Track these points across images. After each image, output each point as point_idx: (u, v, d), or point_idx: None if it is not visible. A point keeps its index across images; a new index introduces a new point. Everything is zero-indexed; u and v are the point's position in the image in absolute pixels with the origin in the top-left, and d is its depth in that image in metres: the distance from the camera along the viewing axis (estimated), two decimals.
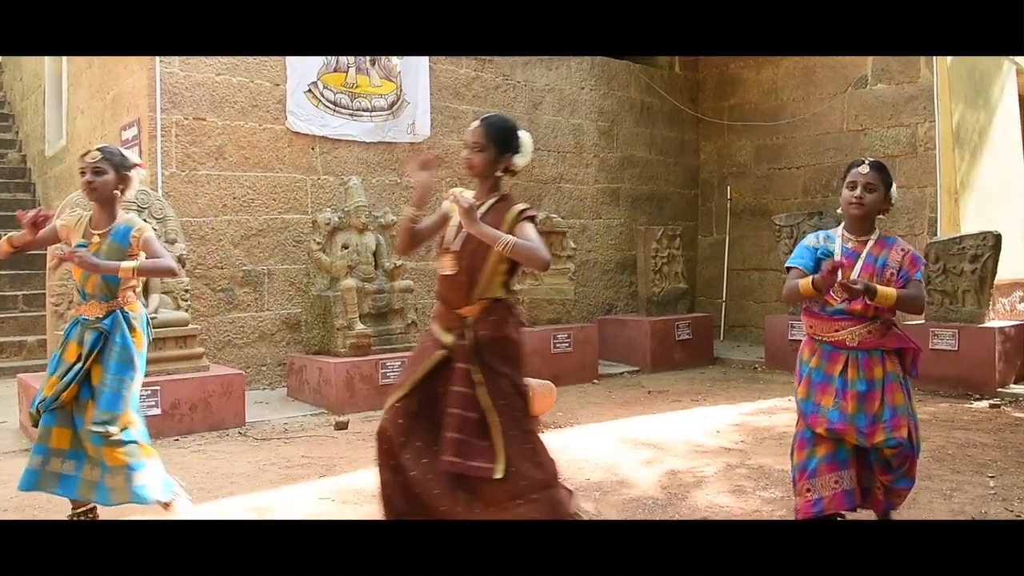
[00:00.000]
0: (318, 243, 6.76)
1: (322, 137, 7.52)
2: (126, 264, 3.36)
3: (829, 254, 3.11)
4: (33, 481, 3.37)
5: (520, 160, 3.01)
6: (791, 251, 8.96)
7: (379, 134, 7.84)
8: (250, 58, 7.11)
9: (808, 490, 3.05)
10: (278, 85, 7.28)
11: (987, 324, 7.14)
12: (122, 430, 3.36)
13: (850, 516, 3.18)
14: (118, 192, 3.46)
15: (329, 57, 7.50)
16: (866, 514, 3.31)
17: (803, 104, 9.75)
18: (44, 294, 5.83)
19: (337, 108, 7.59)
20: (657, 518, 3.86)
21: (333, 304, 6.54)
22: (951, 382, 7.01)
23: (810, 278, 2.98)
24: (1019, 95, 9.56)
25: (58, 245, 4.75)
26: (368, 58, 7.74)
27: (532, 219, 2.94)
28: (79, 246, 3.39)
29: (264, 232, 7.23)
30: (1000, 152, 9.02)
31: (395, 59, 7.89)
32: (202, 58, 6.86)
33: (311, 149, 7.48)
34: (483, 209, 2.93)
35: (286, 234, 7.35)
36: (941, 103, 8.44)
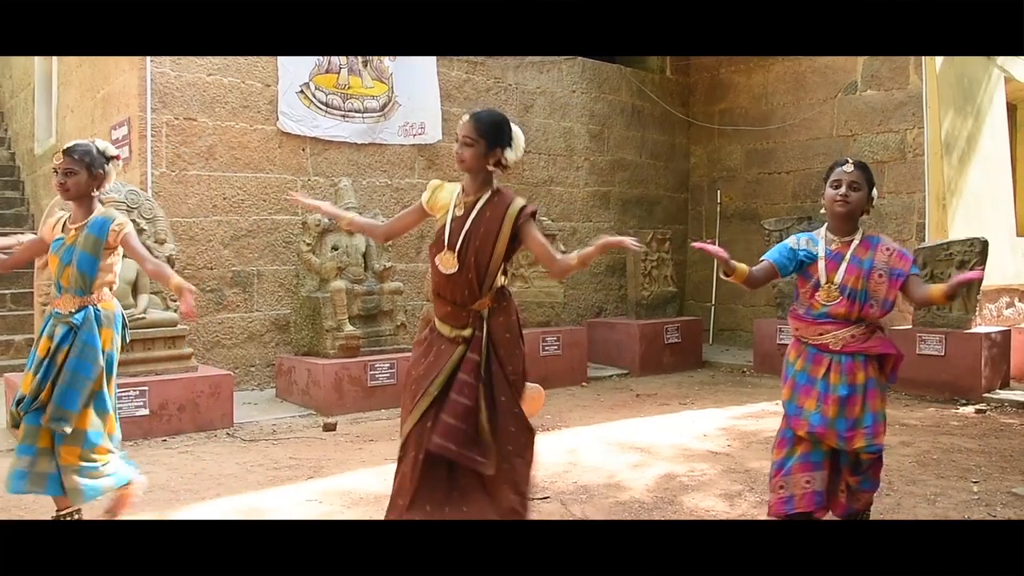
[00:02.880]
0: (308, 244, 6.75)
1: (313, 138, 7.51)
2: (171, 276, 3.46)
3: (812, 257, 3.12)
4: (22, 483, 3.33)
5: (511, 154, 3.00)
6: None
7: (370, 135, 7.84)
8: (242, 59, 7.10)
9: (781, 487, 3.08)
10: (269, 86, 7.27)
11: (974, 330, 7.19)
12: (85, 431, 3.34)
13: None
14: (93, 189, 3.45)
15: (321, 58, 7.50)
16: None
17: (793, 109, 9.80)
18: (32, 293, 5.81)
19: (329, 109, 7.59)
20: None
21: (322, 305, 6.53)
22: (938, 387, 7.04)
23: (742, 267, 3.02)
24: (1007, 103, 9.63)
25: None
26: (360, 59, 7.73)
27: (534, 216, 2.99)
28: (56, 241, 3.43)
29: (254, 233, 7.22)
30: (988, 159, 9.08)
31: (387, 60, 7.89)
32: (193, 58, 6.85)
33: (302, 150, 7.48)
34: (478, 205, 2.96)
35: (276, 235, 7.34)
36: (930, 110, 8.49)
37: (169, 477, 4.54)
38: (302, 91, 7.42)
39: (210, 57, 6.93)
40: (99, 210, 3.48)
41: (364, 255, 6.89)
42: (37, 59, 10.07)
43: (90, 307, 3.40)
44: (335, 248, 6.77)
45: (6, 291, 8.60)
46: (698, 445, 5.37)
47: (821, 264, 3.08)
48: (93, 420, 3.39)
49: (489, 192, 3.00)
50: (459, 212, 2.99)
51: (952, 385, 7.01)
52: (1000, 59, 9.27)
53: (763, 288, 10.22)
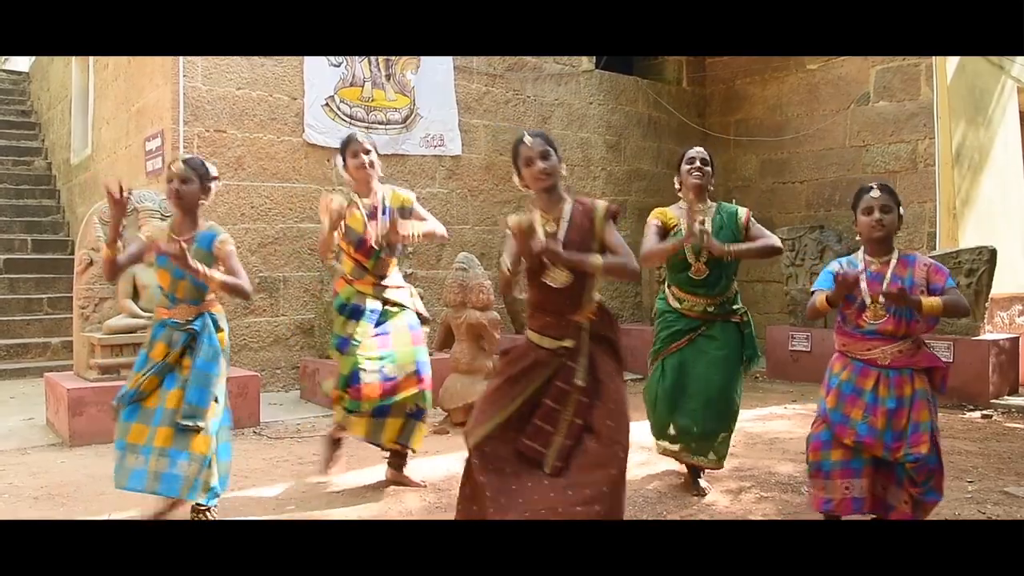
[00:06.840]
0: (333, 252, 6.99)
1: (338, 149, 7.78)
2: (217, 275, 3.48)
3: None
4: (119, 477, 3.51)
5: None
6: (793, 263, 9.07)
7: (393, 147, 8.10)
8: (269, 73, 7.40)
9: (822, 488, 3.26)
10: (296, 99, 7.56)
11: (982, 337, 7.30)
12: (210, 421, 3.55)
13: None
14: (202, 201, 3.64)
15: (346, 72, 7.79)
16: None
17: (807, 120, 9.96)
18: (68, 297, 6.10)
19: (353, 121, 7.87)
20: (647, 516, 4.08)
21: None
22: (946, 394, 7.14)
23: (824, 293, 3.16)
24: (1020, 113, 9.72)
25: (91, 250, 5.00)
26: (384, 73, 8.02)
27: (616, 216, 3.02)
28: (165, 256, 3.55)
29: (280, 240, 7.51)
30: (1001, 169, 9.19)
31: (409, 74, 8.17)
32: (223, 73, 7.16)
33: (327, 160, 7.74)
34: (565, 216, 2.99)
35: (301, 242, 7.61)
36: (941, 120, 8.62)
37: None
38: (327, 104, 7.71)
39: (239, 72, 7.24)
40: (204, 224, 3.65)
41: None
42: (74, 72, 10.45)
43: (206, 313, 3.60)
44: None
45: (43, 295, 8.96)
46: None
47: (864, 285, 3.19)
48: (219, 411, 3.61)
49: (570, 201, 3.03)
50: (551, 229, 2.98)
51: (960, 391, 7.13)
52: (1014, 71, 9.39)
53: (777, 295, 10.30)
